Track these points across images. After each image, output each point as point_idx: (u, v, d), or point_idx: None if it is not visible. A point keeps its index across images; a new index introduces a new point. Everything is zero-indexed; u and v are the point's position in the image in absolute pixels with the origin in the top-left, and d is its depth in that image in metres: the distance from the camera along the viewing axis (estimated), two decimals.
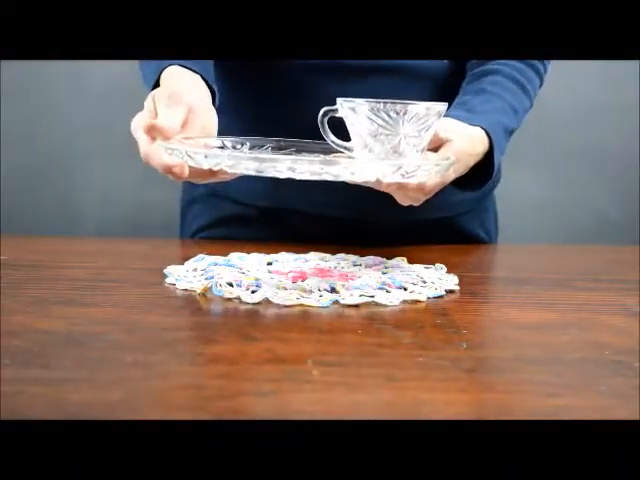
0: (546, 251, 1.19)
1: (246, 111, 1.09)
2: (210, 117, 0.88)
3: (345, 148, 0.86)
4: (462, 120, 0.94)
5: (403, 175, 0.76)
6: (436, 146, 0.89)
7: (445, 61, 1.07)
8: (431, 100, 1.06)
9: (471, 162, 0.93)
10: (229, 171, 0.75)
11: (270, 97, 1.07)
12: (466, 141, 0.91)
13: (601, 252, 1.17)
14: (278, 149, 0.92)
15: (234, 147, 0.90)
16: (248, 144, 0.91)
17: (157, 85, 0.89)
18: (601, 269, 0.98)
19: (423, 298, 0.80)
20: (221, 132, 1.13)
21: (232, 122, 1.11)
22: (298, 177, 0.73)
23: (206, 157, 0.75)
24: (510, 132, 1.01)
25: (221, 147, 0.89)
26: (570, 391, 0.57)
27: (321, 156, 0.82)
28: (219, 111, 1.11)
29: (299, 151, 0.92)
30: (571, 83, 1.77)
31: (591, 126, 1.81)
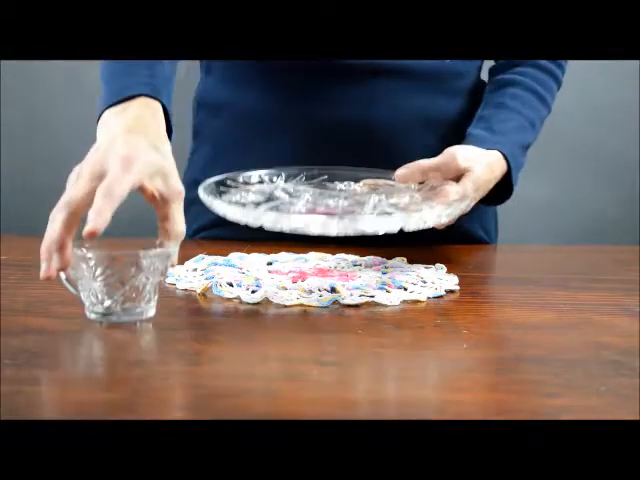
0: (546, 251, 1.19)
1: (246, 113, 1.09)
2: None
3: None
4: (482, 140, 0.99)
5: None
6: (457, 175, 0.93)
7: (447, 63, 1.07)
8: (433, 102, 1.07)
9: (491, 185, 0.98)
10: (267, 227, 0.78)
11: (270, 99, 1.07)
12: (485, 169, 0.96)
13: (601, 252, 1.17)
14: (311, 177, 0.95)
15: (271, 180, 0.94)
16: (283, 175, 0.95)
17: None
18: (601, 269, 0.98)
19: (423, 298, 0.80)
20: (222, 132, 1.13)
21: (232, 123, 1.11)
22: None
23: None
24: (527, 147, 1.06)
25: (260, 182, 0.93)
26: (570, 391, 0.57)
27: (341, 214, 0.83)
28: (222, 112, 1.11)
29: (331, 180, 0.96)
30: (571, 83, 1.76)
31: (591, 126, 1.81)
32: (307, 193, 0.90)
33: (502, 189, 1.02)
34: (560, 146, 1.82)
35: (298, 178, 0.95)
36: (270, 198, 0.89)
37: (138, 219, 1.78)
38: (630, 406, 0.54)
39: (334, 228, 0.76)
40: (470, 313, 0.78)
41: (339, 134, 1.05)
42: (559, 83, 1.13)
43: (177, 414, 0.53)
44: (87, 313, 0.70)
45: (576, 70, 1.71)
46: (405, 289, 0.82)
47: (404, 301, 0.79)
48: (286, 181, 0.94)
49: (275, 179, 0.95)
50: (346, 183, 0.95)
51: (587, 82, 1.78)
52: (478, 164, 0.95)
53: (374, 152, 1.06)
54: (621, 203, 1.82)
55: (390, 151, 1.07)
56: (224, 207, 0.80)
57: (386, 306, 0.78)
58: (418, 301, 0.80)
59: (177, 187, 0.75)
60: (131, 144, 0.74)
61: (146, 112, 0.82)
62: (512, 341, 0.69)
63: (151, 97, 0.84)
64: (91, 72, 1.80)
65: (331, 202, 0.87)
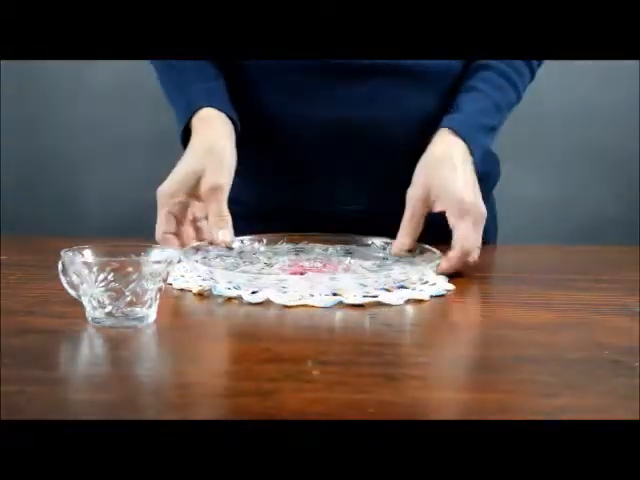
0: (546, 251, 1.19)
1: (244, 111, 1.09)
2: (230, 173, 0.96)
3: None
4: (446, 121, 1.00)
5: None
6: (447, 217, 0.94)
7: (447, 63, 1.07)
8: (433, 102, 1.07)
9: (469, 167, 0.98)
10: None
11: (270, 99, 1.07)
12: (454, 181, 0.95)
13: (601, 252, 1.17)
14: (293, 242, 0.98)
15: (252, 244, 0.97)
16: (265, 241, 0.98)
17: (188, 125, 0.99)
18: (601, 269, 0.98)
19: (426, 297, 0.80)
20: None
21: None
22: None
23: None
24: (491, 129, 1.04)
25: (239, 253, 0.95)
26: (570, 391, 0.57)
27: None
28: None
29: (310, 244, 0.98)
30: (571, 83, 1.77)
31: (591, 126, 1.81)
32: (286, 256, 0.94)
33: None
34: (560, 146, 1.82)
35: (279, 243, 0.98)
36: (248, 261, 0.93)
37: (139, 218, 1.78)
38: (630, 406, 0.54)
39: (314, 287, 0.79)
40: (470, 313, 0.78)
41: (339, 133, 1.05)
42: (533, 73, 1.12)
43: (177, 414, 0.53)
44: (88, 318, 0.70)
45: (576, 70, 1.72)
46: (406, 288, 0.82)
47: (406, 301, 0.79)
48: (267, 245, 0.98)
49: (255, 245, 0.98)
50: (324, 247, 0.98)
51: (587, 82, 1.78)
52: (446, 192, 0.94)
53: (374, 151, 1.06)
54: (621, 203, 1.82)
55: (390, 150, 1.07)
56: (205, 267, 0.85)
57: (389, 306, 0.78)
58: (420, 300, 0.79)
59: (207, 185, 0.92)
60: (172, 174, 0.95)
61: (205, 124, 0.98)
62: (512, 341, 0.69)
63: (207, 106, 0.99)
64: (91, 72, 1.80)
65: (306, 263, 0.91)
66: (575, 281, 0.90)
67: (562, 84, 1.73)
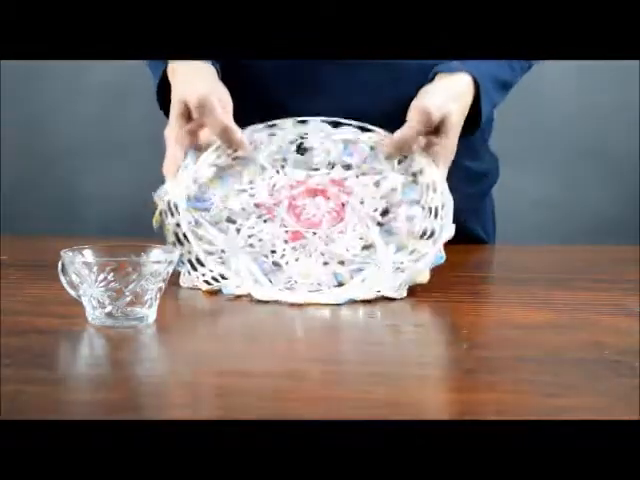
0: (546, 251, 1.19)
1: (244, 107, 1.09)
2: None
3: None
4: (453, 66, 0.96)
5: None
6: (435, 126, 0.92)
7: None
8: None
9: (464, 101, 0.95)
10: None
11: (268, 90, 1.07)
12: (460, 108, 0.93)
13: (601, 252, 1.17)
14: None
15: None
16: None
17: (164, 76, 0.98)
18: (601, 269, 0.98)
19: (425, 280, 0.81)
20: None
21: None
22: None
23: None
24: (503, 84, 1.01)
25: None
26: (570, 391, 0.57)
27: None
28: None
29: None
30: (571, 83, 1.77)
31: (591, 126, 1.81)
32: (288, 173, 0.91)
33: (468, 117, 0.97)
34: (560, 146, 1.82)
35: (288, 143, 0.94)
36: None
37: (138, 217, 1.78)
38: (630, 406, 0.54)
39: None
40: (470, 313, 0.78)
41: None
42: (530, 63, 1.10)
43: (177, 414, 0.53)
44: (88, 318, 0.70)
45: (576, 70, 1.72)
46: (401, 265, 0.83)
47: (407, 298, 0.79)
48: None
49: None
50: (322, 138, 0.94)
51: (587, 82, 1.78)
52: (453, 110, 0.92)
53: None
54: (621, 203, 1.82)
55: None
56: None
57: (392, 300, 0.78)
58: (422, 301, 0.79)
59: (193, 103, 0.90)
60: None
61: (175, 71, 0.97)
62: (512, 341, 0.69)
63: None
64: (91, 72, 1.80)
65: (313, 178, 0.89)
66: (575, 281, 0.90)
67: (562, 84, 1.73)
